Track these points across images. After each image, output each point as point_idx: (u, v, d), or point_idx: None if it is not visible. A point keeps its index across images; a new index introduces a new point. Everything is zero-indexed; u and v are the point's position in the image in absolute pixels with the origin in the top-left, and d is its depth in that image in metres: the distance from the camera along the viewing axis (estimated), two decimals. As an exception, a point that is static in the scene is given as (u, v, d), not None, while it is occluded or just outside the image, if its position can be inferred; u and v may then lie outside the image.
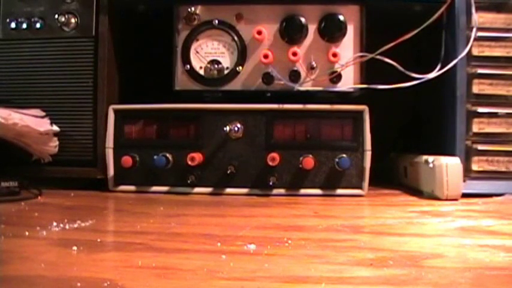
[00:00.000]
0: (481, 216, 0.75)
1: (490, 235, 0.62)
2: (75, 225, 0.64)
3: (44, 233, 0.60)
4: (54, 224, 0.64)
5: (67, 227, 0.63)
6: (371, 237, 0.61)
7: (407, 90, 0.88)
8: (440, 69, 0.91)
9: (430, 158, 0.90)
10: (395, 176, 1.09)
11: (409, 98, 0.97)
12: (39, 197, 0.86)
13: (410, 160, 1.01)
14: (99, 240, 0.57)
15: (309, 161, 0.90)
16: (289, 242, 0.57)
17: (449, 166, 0.87)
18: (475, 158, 0.92)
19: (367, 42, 0.95)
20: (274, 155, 0.89)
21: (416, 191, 0.96)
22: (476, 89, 0.92)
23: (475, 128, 0.92)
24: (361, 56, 0.91)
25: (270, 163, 0.89)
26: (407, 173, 1.03)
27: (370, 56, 0.90)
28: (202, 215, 0.75)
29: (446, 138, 0.96)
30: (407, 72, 0.90)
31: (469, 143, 0.92)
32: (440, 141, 0.99)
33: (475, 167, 0.92)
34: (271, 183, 0.90)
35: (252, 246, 0.54)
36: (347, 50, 0.94)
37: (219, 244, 0.55)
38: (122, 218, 0.72)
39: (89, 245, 0.54)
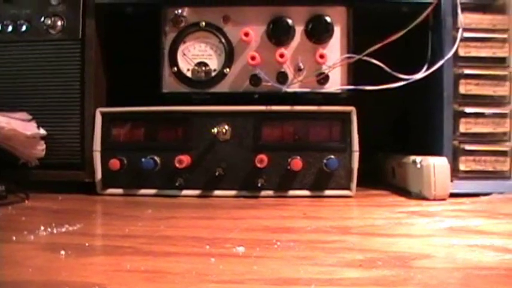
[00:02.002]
0: (469, 215, 0.75)
1: (479, 235, 0.63)
2: (63, 229, 0.63)
3: (32, 237, 0.59)
4: (42, 228, 0.63)
5: (55, 231, 0.62)
6: (360, 238, 0.61)
7: (394, 91, 0.89)
8: (427, 70, 0.91)
9: (418, 159, 0.91)
10: (384, 176, 1.09)
11: (396, 98, 0.97)
12: (26, 201, 0.86)
13: (398, 160, 1.01)
14: (87, 244, 0.56)
15: (297, 163, 0.90)
16: (278, 243, 0.57)
17: (436, 166, 0.88)
18: (463, 158, 0.93)
19: (354, 43, 0.95)
20: (262, 156, 0.89)
21: (404, 192, 0.96)
22: (463, 89, 0.92)
23: (462, 128, 0.92)
24: (349, 57, 0.91)
25: (258, 165, 0.89)
26: (396, 174, 1.03)
27: (358, 57, 0.90)
28: (191, 217, 0.75)
29: (433, 139, 0.96)
30: (394, 73, 0.90)
31: (456, 143, 0.93)
32: (427, 141, 0.99)
33: (462, 166, 0.93)
34: (259, 185, 0.90)
35: (241, 249, 0.54)
36: (334, 51, 0.94)
37: (207, 247, 0.55)
38: (110, 222, 0.72)
39: (77, 249, 0.54)
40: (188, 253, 0.54)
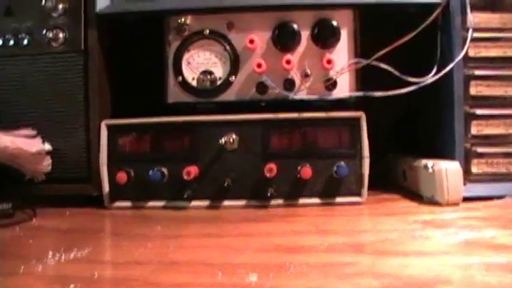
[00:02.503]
0: (484, 225, 0.73)
1: (495, 251, 0.61)
2: (71, 256, 0.62)
3: (40, 268, 0.58)
4: (50, 254, 0.62)
5: (63, 258, 0.61)
6: (374, 259, 0.59)
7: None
8: (436, 72, 0.89)
9: (430, 163, 0.89)
10: (394, 178, 1.07)
11: (404, 98, 0.96)
12: (33, 219, 0.84)
13: (409, 164, 0.99)
14: (96, 275, 0.55)
15: (306, 171, 0.88)
16: (291, 268, 0.55)
17: (449, 171, 0.86)
18: (475, 161, 0.91)
19: (361, 46, 0.93)
20: (272, 165, 0.88)
21: (416, 196, 0.94)
22: (473, 90, 0.90)
23: (474, 130, 0.91)
24: (356, 62, 0.90)
25: (267, 174, 0.88)
26: (407, 177, 1.01)
27: (366, 62, 0.88)
28: (199, 235, 0.73)
29: (444, 141, 0.94)
30: (404, 77, 0.88)
31: (468, 145, 0.91)
32: (438, 144, 0.97)
33: (474, 169, 0.91)
34: (269, 195, 0.89)
35: (254, 278, 0.52)
36: (341, 55, 0.92)
37: (219, 274, 0.54)
38: (118, 243, 0.70)
39: (86, 282, 0.53)
40: (199, 284, 0.52)
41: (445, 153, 0.92)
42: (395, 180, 1.07)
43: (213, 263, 0.58)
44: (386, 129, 0.97)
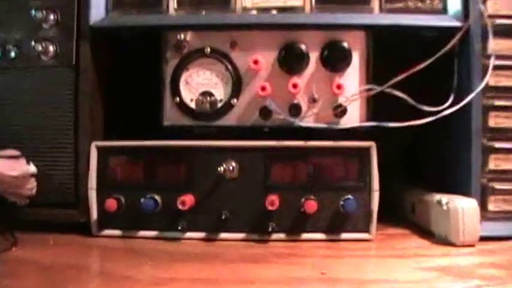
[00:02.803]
0: (505, 275, 0.65)
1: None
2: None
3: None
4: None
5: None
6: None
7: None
8: (454, 101, 0.81)
9: (444, 199, 0.81)
10: (401, 211, 0.99)
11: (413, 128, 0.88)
12: (13, 249, 0.76)
13: (419, 197, 0.91)
14: None
15: (311, 204, 0.80)
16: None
17: (465, 210, 0.78)
18: (492, 198, 0.83)
19: (372, 71, 0.85)
20: (273, 198, 0.79)
21: (426, 232, 0.86)
22: (492, 122, 0.82)
23: (492, 165, 0.82)
24: (369, 89, 0.81)
25: (269, 207, 0.79)
26: (416, 211, 0.93)
27: (379, 89, 0.80)
28: (193, 280, 0.64)
29: (458, 176, 0.86)
30: (420, 106, 0.80)
31: (484, 181, 0.82)
32: (450, 178, 0.89)
33: (491, 207, 0.82)
34: (270, 229, 0.81)
35: None
36: (352, 80, 0.84)
37: None
38: (102, 288, 0.62)
39: None
40: None
41: (458, 189, 0.84)
42: (402, 212, 0.98)
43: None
44: (393, 159, 0.88)
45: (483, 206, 0.82)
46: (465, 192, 0.82)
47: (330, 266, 0.70)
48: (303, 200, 0.81)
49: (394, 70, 0.80)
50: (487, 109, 0.82)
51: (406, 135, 0.97)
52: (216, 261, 0.73)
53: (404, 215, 0.97)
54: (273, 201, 0.79)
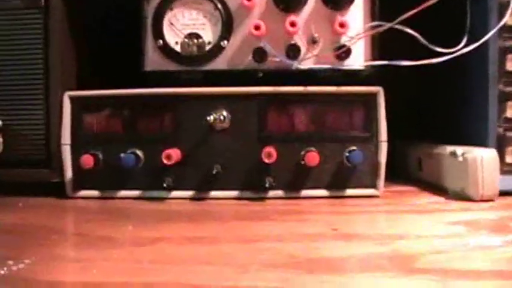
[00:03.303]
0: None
1: None
2: (1, 271, 0.41)
3: None
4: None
5: (-12, 275, 0.41)
6: (437, 283, 0.39)
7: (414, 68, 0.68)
8: (468, 43, 0.69)
9: (459, 150, 0.70)
10: (406, 168, 0.88)
11: (409, 76, 0.77)
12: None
13: (427, 151, 0.80)
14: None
15: (313, 156, 0.68)
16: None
17: (484, 160, 0.67)
18: (509, 149, 0.72)
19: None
20: (270, 149, 0.68)
21: (436, 188, 0.75)
22: (510, 66, 0.71)
23: (509, 113, 0.71)
24: (377, 26, 0.69)
25: (266, 160, 0.68)
26: (423, 166, 0.82)
27: (389, 25, 0.68)
28: (184, 239, 0.53)
29: (471, 126, 0.75)
30: (431, 46, 0.68)
31: (501, 130, 0.71)
32: (463, 129, 0.78)
33: (508, 159, 0.72)
34: (267, 185, 0.69)
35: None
36: (356, 19, 0.72)
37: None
38: (74, 252, 0.50)
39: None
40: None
41: (472, 140, 0.73)
42: (407, 171, 0.87)
43: (203, 285, 0.38)
44: (390, 112, 0.76)
45: (500, 158, 0.71)
46: (480, 143, 0.71)
47: (340, 222, 0.59)
48: (303, 152, 0.70)
49: (400, 7, 0.68)
50: (505, 52, 0.71)
51: (410, 84, 0.86)
52: (208, 219, 0.62)
53: (409, 172, 0.87)
54: (269, 153, 0.68)
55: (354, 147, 0.70)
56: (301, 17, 0.72)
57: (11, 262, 0.43)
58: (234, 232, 0.55)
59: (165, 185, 0.70)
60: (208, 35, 0.73)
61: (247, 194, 0.71)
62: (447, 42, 0.69)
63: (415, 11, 0.66)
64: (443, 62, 0.68)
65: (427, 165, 0.81)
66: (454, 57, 0.68)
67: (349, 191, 0.72)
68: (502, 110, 0.71)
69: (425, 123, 0.93)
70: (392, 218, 0.62)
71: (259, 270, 0.41)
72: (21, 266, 0.43)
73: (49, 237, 0.53)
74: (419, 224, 0.58)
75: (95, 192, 0.73)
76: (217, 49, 0.73)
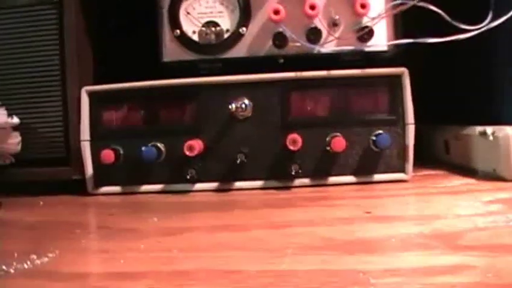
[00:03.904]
0: None
1: None
2: (25, 266, 0.38)
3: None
4: (-5, 263, 0.39)
5: (12, 269, 0.38)
6: (491, 259, 0.35)
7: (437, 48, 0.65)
8: (492, 19, 0.65)
9: (489, 129, 0.66)
10: (432, 151, 0.84)
11: (437, 57, 0.73)
12: (-4, 211, 0.61)
13: (454, 132, 0.76)
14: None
15: (339, 142, 0.65)
16: (372, 281, 0.32)
17: (517, 137, 0.63)
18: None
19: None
20: (295, 136, 0.64)
21: (465, 170, 0.71)
22: (538, 42, 0.67)
23: (537, 90, 0.68)
24: (400, 4, 0.66)
25: (291, 147, 0.64)
26: (450, 148, 0.78)
27: (411, 3, 0.64)
28: (212, 227, 0.50)
29: (500, 104, 0.71)
30: (456, 23, 0.65)
31: (529, 109, 0.68)
32: (491, 108, 0.74)
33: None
34: (293, 173, 0.66)
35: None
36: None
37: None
38: (99, 244, 0.47)
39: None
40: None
41: (501, 119, 0.69)
42: (433, 154, 0.83)
43: (241, 271, 0.35)
44: (419, 95, 0.73)
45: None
46: (507, 122, 0.67)
47: (372, 205, 0.55)
48: (328, 137, 0.66)
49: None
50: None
51: (433, 65, 0.83)
52: (235, 208, 0.58)
53: (435, 155, 0.83)
54: (294, 140, 0.64)
55: (380, 131, 0.67)
56: (321, 0, 0.69)
57: (34, 256, 0.40)
58: (263, 219, 0.51)
59: (188, 177, 0.67)
60: (226, 22, 0.70)
61: (273, 183, 0.68)
62: (471, 19, 0.66)
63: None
64: (468, 40, 0.64)
65: (454, 147, 0.77)
66: (480, 34, 0.65)
67: (377, 176, 0.68)
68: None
69: (450, 105, 0.89)
70: (425, 199, 0.58)
71: (296, 253, 0.38)
72: (45, 259, 0.40)
73: (73, 231, 0.50)
74: (454, 204, 0.54)
75: (116, 188, 0.70)
76: (236, 36, 0.69)
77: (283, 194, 0.64)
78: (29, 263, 0.39)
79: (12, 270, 0.37)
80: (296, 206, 0.57)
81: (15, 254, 0.41)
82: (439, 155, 0.82)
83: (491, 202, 0.53)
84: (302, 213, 0.54)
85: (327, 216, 0.51)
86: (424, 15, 0.64)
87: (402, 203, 0.57)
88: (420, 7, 0.64)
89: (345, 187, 0.67)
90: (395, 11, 0.67)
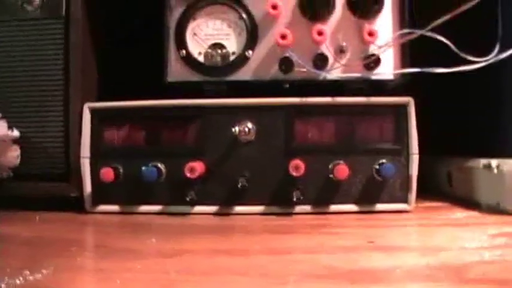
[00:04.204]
0: None
1: None
2: (17, 281, 0.37)
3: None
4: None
5: (4, 284, 0.36)
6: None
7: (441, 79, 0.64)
8: (500, 51, 0.65)
9: (493, 162, 0.65)
10: (434, 183, 0.82)
11: (440, 88, 0.73)
12: (-9, 225, 0.59)
13: (457, 164, 0.75)
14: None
15: (342, 170, 0.64)
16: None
17: (521, 171, 0.62)
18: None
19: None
20: (298, 162, 0.63)
21: (467, 203, 0.70)
22: (544, 74, 0.66)
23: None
24: (408, 33, 0.65)
25: (293, 173, 0.63)
26: (453, 181, 0.77)
27: (419, 32, 0.64)
28: (211, 250, 0.48)
29: (506, 137, 0.70)
30: (463, 55, 0.64)
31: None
32: (496, 140, 0.73)
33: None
34: (294, 199, 0.64)
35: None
36: (384, 27, 0.68)
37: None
38: (95, 263, 0.45)
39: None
40: None
41: (506, 152, 0.68)
42: (436, 186, 0.82)
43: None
44: (422, 125, 0.72)
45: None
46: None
47: (375, 235, 0.54)
48: (331, 165, 0.65)
49: (428, 14, 0.64)
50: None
51: (436, 95, 0.82)
52: (235, 233, 0.57)
53: (437, 187, 0.81)
54: (297, 166, 0.63)
55: (384, 160, 0.66)
56: (329, 26, 0.68)
57: (27, 272, 0.38)
58: (264, 244, 0.50)
59: (188, 199, 0.65)
60: (233, 45, 0.69)
61: (274, 208, 0.66)
62: (479, 50, 0.65)
63: (447, 17, 0.63)
64: (475, 71, 0.64)
65: (457, 179, 0.76)
66: (486, 66, 0.64)
67: (380, 206, 0.67)
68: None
69: (453, 136, 0.87)
70: (429, 231, 0.57)
71: (299, 281, 0.37)
72: (38, 276, 0.38)
73: (68, 249, 0.48)
74: (459, 236, 0.53)
75: (115, 207, 0.68)
76: (242, 59, 0.69)
77: (284, 220, 0.63)
78: (21, 278, 0.37)
79: (3, 285, 0.36)
80: (297, 233, 0.56)
81: (8, 269, 0.39)
82: (441, 187, 0.80)
83: (496, 235, 0.52)
84: (304, 240, 0.52)
85: (329, 244, 0.49)
86: (431, 45, 0.63)
87: (405, 234, 0.56)
88: (427, 37, 0.63)
89: (346, 215, 0.65)
90: (402, 40, 0.66)
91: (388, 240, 0.52)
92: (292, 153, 0.66)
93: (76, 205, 0.69)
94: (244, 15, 0.68)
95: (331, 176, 0.65)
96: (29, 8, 0.69)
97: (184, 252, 0.47)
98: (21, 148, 0.68)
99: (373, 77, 0.68)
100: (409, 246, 0.49)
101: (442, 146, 0.83)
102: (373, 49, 0.67)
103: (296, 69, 0.67)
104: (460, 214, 0.65)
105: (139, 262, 0.43)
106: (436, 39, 0.63)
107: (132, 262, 0.43)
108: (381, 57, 0.67)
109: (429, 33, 0.63)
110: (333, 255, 0.45)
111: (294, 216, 0.65)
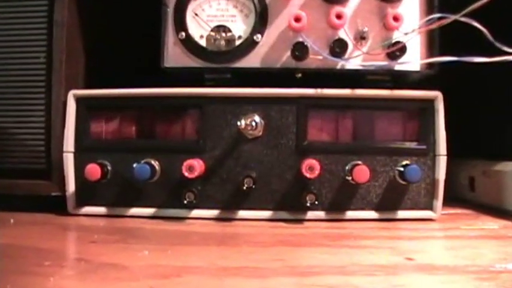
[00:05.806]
0: None
1: None
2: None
3: None
4: None
5: None
6: None
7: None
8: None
9: (526, 166, 0.56)
10: (454, 188, 0.72)
11: (465, 84, 0.64)
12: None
13: (482, 168, 0.65)
14: None
15: (361, 171, 0.54)
16: None
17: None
18: None
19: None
20: (312, 162, 0.53)
21: (494, 210, 0.61)
22: None
23: None
24: (440, 18, 0.55)
25: (307, 174, 0.53)
26: (476, 186, 0.67)
27: (453, 17, 0.54)
28: (218, 269, 0.38)
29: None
30: (497, 44, 0.54)
31: None
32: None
33: None
34: (308, 204, 0.54)
35: None
36: (411, 11, 0.58)
37: None
38: (72, 285, 0.35)
39: None
40: None
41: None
42: (453, 190, 0.72)
43: None
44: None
45: None
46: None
47: (410, 249, 0.44)
48: (348, 166, 0.55)
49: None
50: None
51: (460, 92, 0.72)
52: (242, 244, 0.46)
53: (455, 191, 0.71)
54: (311, 166, 0.53)
55: (408, 162, 0.56)
56: (348, 8, 0.58)
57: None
58: (281, 261, 0.40)
59: (185, 201, 0.56)
60: (239, 28, 0.59)
61: (283, 214, 0.57)
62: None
63: (482, 2, 0.53)
64: (506, 64, 0.54)
65: (481, 184, 0.66)
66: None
67: (402, 213, 0.57)
68: None
69: (477, 137, 0.77)
70: (470, 244, 0.47)
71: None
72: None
73: (41, 263, 0.38)
74: (508, 252, 0.43)
75: (101, 209, 0.58)
76: (250, 44, 0.58)
77: (295, 229, 0.53)
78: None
79: None
80: (316, 245, 0.46)
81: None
82: (461, 192, 0.71)
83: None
84: (326, 255, 0.42)
85: (359, 261, 0.39)
86: (458, 34, 0.54)
87: (445, 248, 0.46)
88: (459, 24, 0.54)
89: (365, 223, 0.55)
90: (431, 27, 0.56)
91: (428, 256, 0.42)
92: (305, 151, 0.56)
93: (57, 206, 0.59)
94: (252, -5, 0.58)
95: (348, 178, 0.55)
96: (9, -19, 0.59)
97: (184, 271, 0.36)
98: (-3, 140, 0.57)
99: (397, 68, 0.58)
100: (459, 265, 0.39)
101: (464, 148, 0.74)
102: (397, 36, 0.57)
103: (311, 56, 0.57)
104: (493, 223, 0.56)
105: (128, 285, 0.32)
106: (468, 26, 0.54)
107: (118, 284, 0.32)
108: (406, 45, 0.57)
109: (463, 18, 0.53)
110: (371, 278, 0.35)
111: (306, 224, 0.55)
